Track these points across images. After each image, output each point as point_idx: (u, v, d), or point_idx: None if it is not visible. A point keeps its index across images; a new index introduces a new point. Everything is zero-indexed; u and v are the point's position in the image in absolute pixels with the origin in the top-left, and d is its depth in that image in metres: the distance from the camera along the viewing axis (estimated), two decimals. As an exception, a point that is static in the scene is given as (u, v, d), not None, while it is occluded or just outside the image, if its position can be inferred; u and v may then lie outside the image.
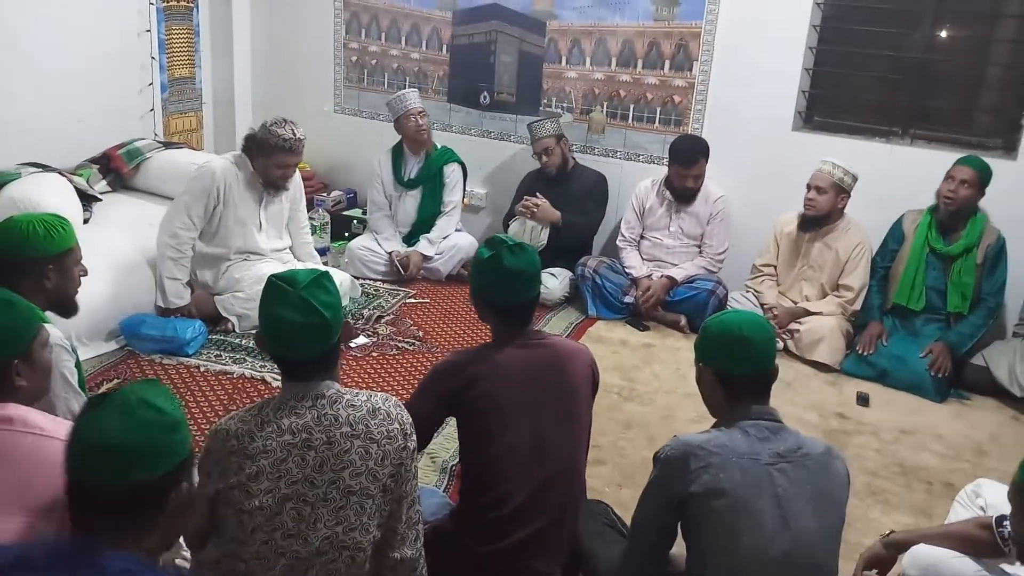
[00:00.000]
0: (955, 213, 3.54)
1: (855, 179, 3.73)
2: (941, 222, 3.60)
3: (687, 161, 4.00)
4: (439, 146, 4.55)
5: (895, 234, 3.76)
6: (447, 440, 2.81)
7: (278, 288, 1.64)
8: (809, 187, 3.77)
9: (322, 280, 1.67)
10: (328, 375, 1.70)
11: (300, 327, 1.61)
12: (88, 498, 1.23)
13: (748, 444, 1.70)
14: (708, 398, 1.87)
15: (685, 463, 1.67)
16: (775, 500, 1.64)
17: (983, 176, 3.50)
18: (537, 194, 4.29)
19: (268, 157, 3.51)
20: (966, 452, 3.09)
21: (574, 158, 4.44)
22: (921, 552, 2.11)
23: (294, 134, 3.49)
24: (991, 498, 2.22)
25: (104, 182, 4.23)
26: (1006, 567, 1.99)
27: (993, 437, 3.22)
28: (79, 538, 1.24)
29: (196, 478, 1.37)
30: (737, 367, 1.77)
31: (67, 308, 2.32)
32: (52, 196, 3.53)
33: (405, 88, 4.90)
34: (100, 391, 2.97)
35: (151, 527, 1.27)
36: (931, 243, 3.62)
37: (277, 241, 3.82)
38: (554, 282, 4.22)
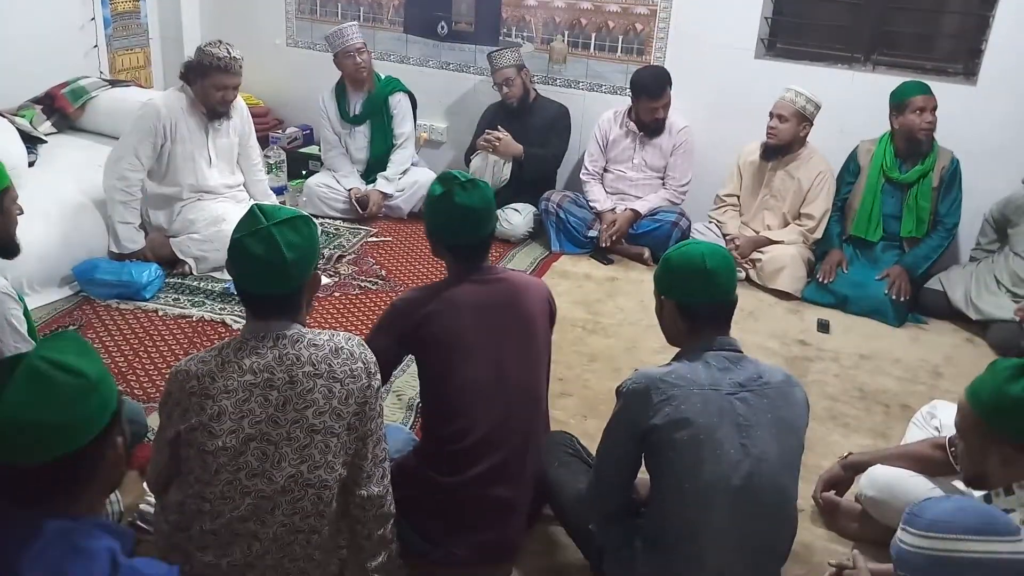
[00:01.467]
0: (928, 142, 3.55)
1: (818, 107, 3.71)
2: (901, 151, 3.62)
3: (655, 92, 3.94)
4: (383, 76, 4.43)
5: (850, 167, 3.79)
6: (413, 378, 2.79)
7: (253, 216, 1.62)
8: (772, 115, 3.75)
9: (298, 222, 1.64)
10: (291, 317, 1.67)
11: (258, 260, 1.58)
12: (9, 476, 1.15)
13: (709, 375, 1.72)
14: (669, 329, 1.89)
15: (647, 396, 1.69)
16: (736, 428, 1.67)
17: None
18: (499, 127, 4.22)
19: (204, 78, 3.41)
20: (922, 375, 3.17)
21: (535, 90, 4.36)
22: (878, 472, 2.18)
23: (229, 53, 3.38)
24: (945, 419, 2.28)
25: (48, 123, 4.08)
26: (958, 484, 2.05)
27: (948, 359, 3.30)
28: (6, 509, 1.17)
29: (147, 424, 1.32)
30: (700, 298, 1.78)
31: (8, 249, 2.23)
32: (-6, 138, 3.39)
33: (355, 21, 4.76)
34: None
35: (85, 487, 1.21)
36: (887, 172, 3.65)
37: (229, 177, 3.72)
38: (518, 218, 4.18)
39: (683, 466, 1.67)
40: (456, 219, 2.00)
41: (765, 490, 1.68)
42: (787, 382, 1.77)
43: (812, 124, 3.75)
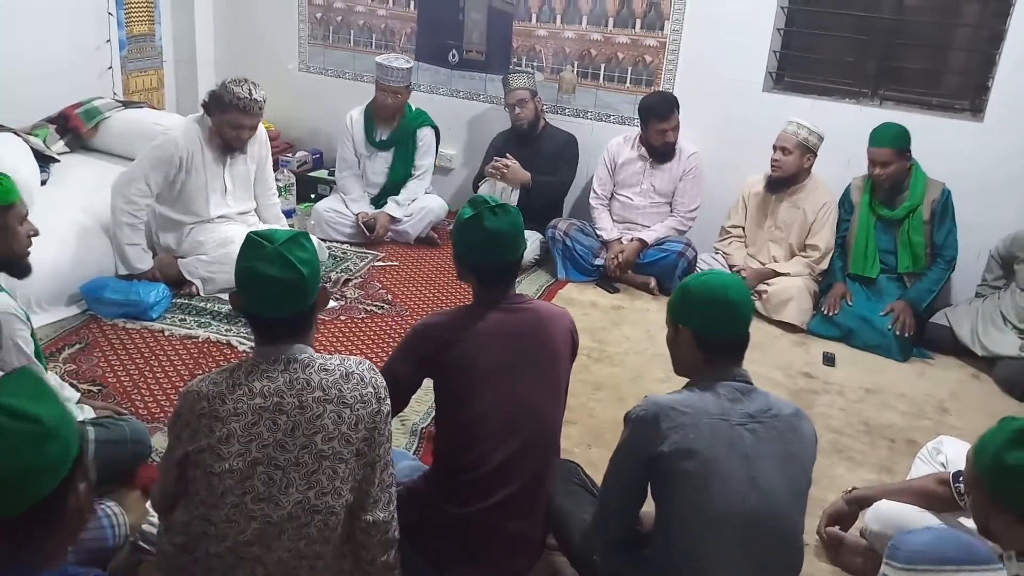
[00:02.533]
0: (891, 188, 3.61)
1: (821, 139, 3.74)
2: (884, 193, 3.65)
3: (663, 114, 3.97)
4: (414, 108, 4.47)
5: (845, 204, 3.81)
6: (417, 403, 2.79)
7: (256, 243, 1.63)
8: (775, 148, 3.78)
9: (300, 239, 1.66)
10: (302, 339, 1.68)
11: (276, 282, 1.59)
12: None
13: (719, 405, 1.71)
14: (682, 359, 1.87)
15: (656, 423, 1.69)
16: (744, 460, 1.66)
17: (899, 147, 3.52)
18: (507, 155, 4.25)
19: (222, 114, 3.42)
20: (928, 410, 3.16)
21: (545, 119, 4.40)
22: (883, 507, 2.16)
23: (250, 94, 3.37)
24: (951, 454, 2.27)
25: (62, 142, 4.11)
26: (963, 521, 2.04)
27: (954, 395, 3.29)
28: None
29: (92, 473, 1.23)
30: (718, 329, 1.78)
31: (15, 268, 2.23)
32: (7, 157, 3.41)
33: (374, 47, 4.81)
34: (62, 356, 2.94)
35: (46, 539, 1.12)
36: (875, 210, 3.68)
37: (245, 203, 3.74)
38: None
39: (690, 496, 1.67)
40: (484, 243, 1.99)
41: (771, 522, 1.67)
42: (796, 415, 1.77)
43: (816, 155, 3.77)
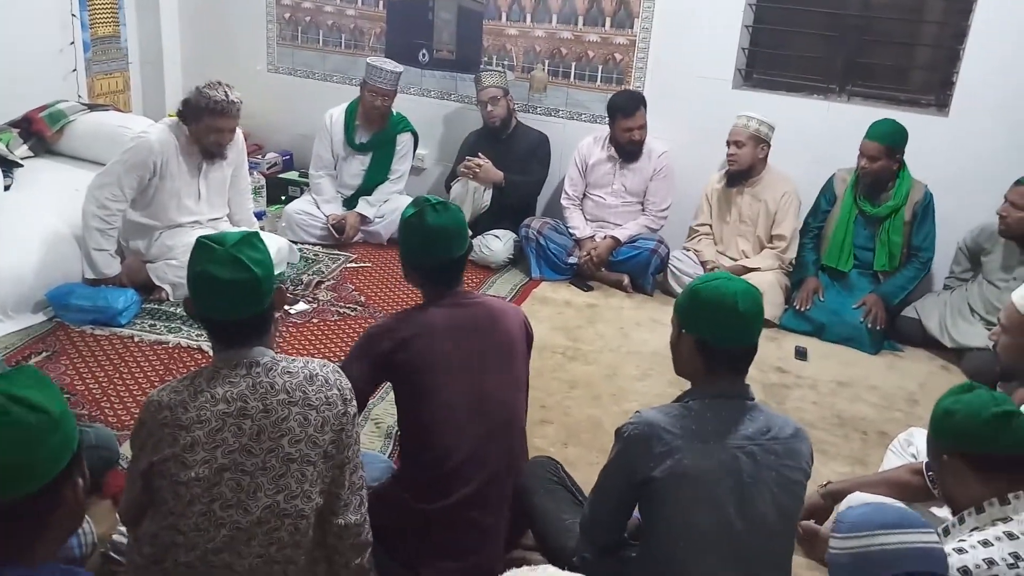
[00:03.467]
0: (873, 183, 3.63)
1: (772, 128, 3.79)
2: (865, 187, 3.68)
3: (628, 111, 3.98)
4: (395, 112, 4.43)
5: (827, 194, 3.83)
6: (391, 405, 2.77)
7: (206, 246, 1.61)
8: (729, 143, 3.84)
9: (251, 239, 1.64)
10: (260, 341, 1.66)
11: (229, 283, 1.57)
12: None
13: (716, 426, 1.65)
14: (682, 364, 1.80)
15: (648, 445, 1.63)
16: (738, 486, 1.62)
17: (891, 145, 3.54)
18: (480, 154, 4.23)
19: (199, 121, 3.35)
20: (899, 402, 3.19)
21: (517, 118, 4.39)
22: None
23: (226, 96, 3.31)
24: (922, 445, 2.29)
25: (25, 147, 4.03)
26: (935, 510, 2.07)
27: (924, 387, 3.33)
28: None
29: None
30: (723, 340, 1.69)
31: None
32: (-32, 161, 3.36)
33: (343, 47, 4.77)
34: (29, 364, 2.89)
35: (41, 533, 1.14)
36: (859, 205, 3.70)
37: (219, 210, 3.69)
38: (498, 244, 4.19)
39: (679, 521, 1.63)
40: (429, 240, 2.02)
41: (760, 546, 1.65)
42: (796, 437, 1.71)
43: (769, 145, 3.83)
